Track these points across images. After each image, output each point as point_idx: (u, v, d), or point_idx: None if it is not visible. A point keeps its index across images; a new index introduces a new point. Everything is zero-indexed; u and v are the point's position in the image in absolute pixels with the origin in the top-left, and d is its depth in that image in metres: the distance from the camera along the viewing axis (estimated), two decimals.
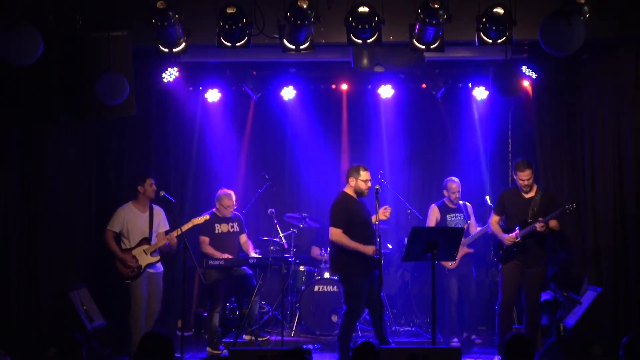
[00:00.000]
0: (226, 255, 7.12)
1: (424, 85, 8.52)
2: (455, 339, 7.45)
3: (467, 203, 7.72)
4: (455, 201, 7.57)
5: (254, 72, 8.27)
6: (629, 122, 6.52)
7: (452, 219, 7.56)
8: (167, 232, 7.01)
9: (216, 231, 7.32)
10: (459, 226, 7.42)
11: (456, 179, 7.62)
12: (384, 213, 6.24)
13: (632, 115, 6.48)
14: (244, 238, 7.53)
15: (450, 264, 7.41)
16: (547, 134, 7.81)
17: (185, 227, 6.79)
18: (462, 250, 7.34)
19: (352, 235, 6.12)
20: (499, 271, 6.70)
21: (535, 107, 7.94)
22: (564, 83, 7.62)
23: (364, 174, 6.26)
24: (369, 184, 6.28)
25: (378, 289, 6.16)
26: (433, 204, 7.70)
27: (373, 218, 6.24)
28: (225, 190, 7.46)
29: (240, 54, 6.08)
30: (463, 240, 7.33)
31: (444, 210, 7.59)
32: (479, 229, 7.57)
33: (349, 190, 6.31)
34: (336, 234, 6.14)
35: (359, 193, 6.28)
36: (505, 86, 5.66)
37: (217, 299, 7.19)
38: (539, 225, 6.27)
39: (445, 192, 7.65)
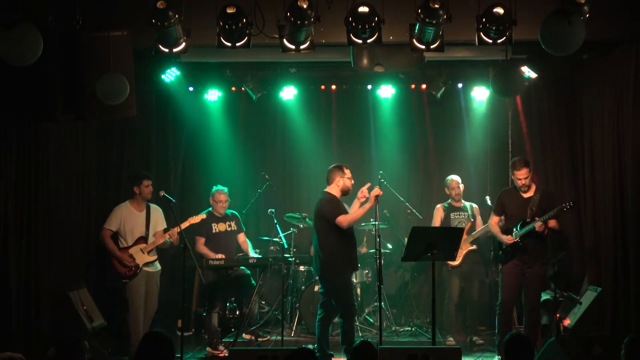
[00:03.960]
0: (220, 255, 7.11)
1: (424, 86, 8.52)
2: (450, 338, 7.44)
3: (474, 204, 7.72)
4: (457, 198, 7.59)
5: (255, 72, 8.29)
6: (629, 121, 6.51)
7: (456, 216, 7.59)
8: (165, 231, 6.99)
9: (213, 230, 7.30)
10: (462, 224, 7.45)
11: (456, 177, 7.66)
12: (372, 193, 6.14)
13: (632, 115, 6.46)
14: (242, 237, 7.51)
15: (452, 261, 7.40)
16: (547, 133, 7.82)
17: (184, 226, 6.79)
18: (465, 247, 7.35)
19: (340, 234, 6.17)
20: (499, 271, 6.70)
21: (536, 107, 7.94)
22: (564, 83, 7.63)
23: (348, 172, 6.38)
24: (353, 180, 6.40)
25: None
26: (438, 205, 7.73)
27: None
28: (219, 186, 7.46)
29: (240, 54, 6.08)
30: (465, 237, 7.35)
31: (448, 209, 7.63)
32: (482, 226, 7.57)
33: (333, 190, 6.36)
34: (345, 219, 6.12)
35: (345, 192, 6.36)
36: (505, 86, 5.65)
37: (215, 299, 7.18)
38: (537, 225, 6.26)
39: (446, 191, 7.68)
